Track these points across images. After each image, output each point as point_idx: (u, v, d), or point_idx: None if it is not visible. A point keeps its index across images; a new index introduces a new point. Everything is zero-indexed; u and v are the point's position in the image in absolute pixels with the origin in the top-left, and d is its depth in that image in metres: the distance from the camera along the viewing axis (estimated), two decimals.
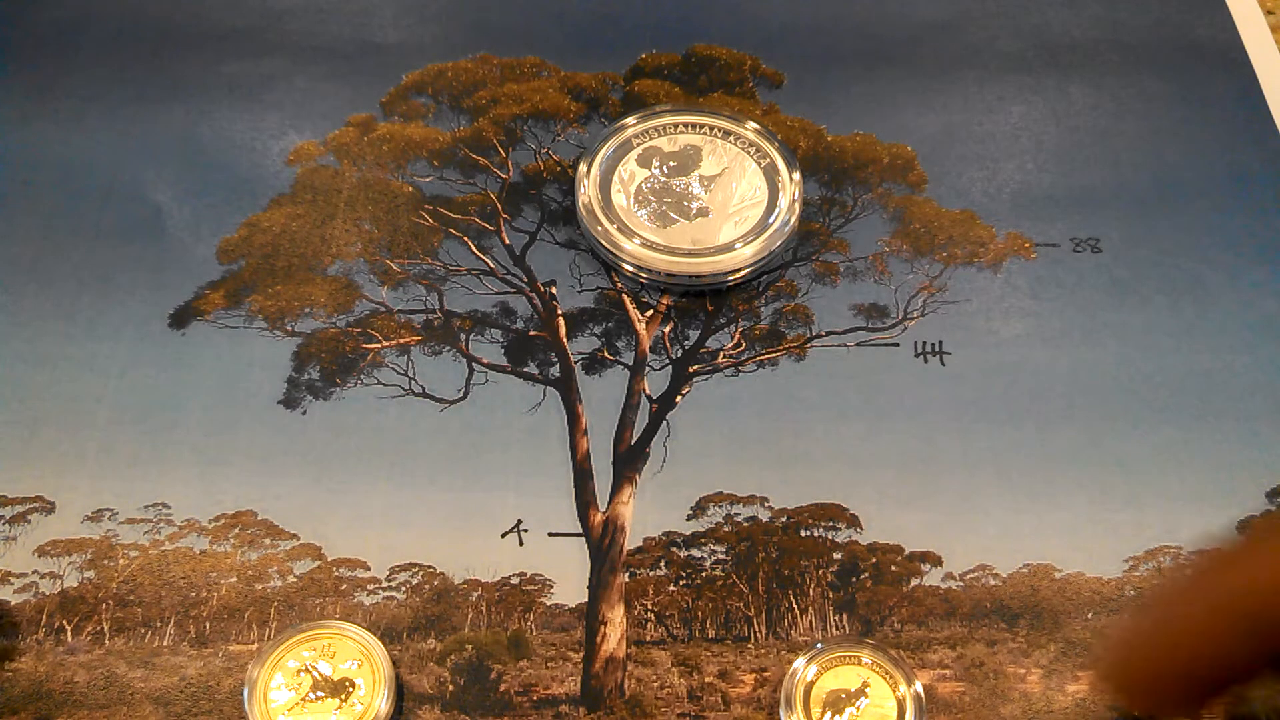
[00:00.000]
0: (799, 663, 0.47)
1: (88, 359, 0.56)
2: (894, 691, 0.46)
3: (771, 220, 0.58)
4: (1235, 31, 0.68)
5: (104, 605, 0.50)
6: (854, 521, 0.52)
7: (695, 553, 0.51)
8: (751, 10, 0.69)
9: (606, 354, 0.57)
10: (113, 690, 0.48)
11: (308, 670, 0.47)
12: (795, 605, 0.50)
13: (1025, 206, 0.61)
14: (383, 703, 0.46)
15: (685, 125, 0.62)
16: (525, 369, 0.56)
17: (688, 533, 0.52)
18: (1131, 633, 0.38)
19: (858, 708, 0.46)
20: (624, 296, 0.58)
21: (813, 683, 0.47)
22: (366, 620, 0.49)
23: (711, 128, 0.62)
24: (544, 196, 0.62)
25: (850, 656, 0.47)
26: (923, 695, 0.46)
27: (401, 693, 0.47)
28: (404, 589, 0.50)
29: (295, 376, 0.56)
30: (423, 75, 0.66)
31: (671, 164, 0.61)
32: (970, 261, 0.60)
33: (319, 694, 0.46)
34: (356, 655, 0.47)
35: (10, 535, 0.51)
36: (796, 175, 0.60)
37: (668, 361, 0.56)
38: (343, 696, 0.46)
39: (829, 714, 0.46)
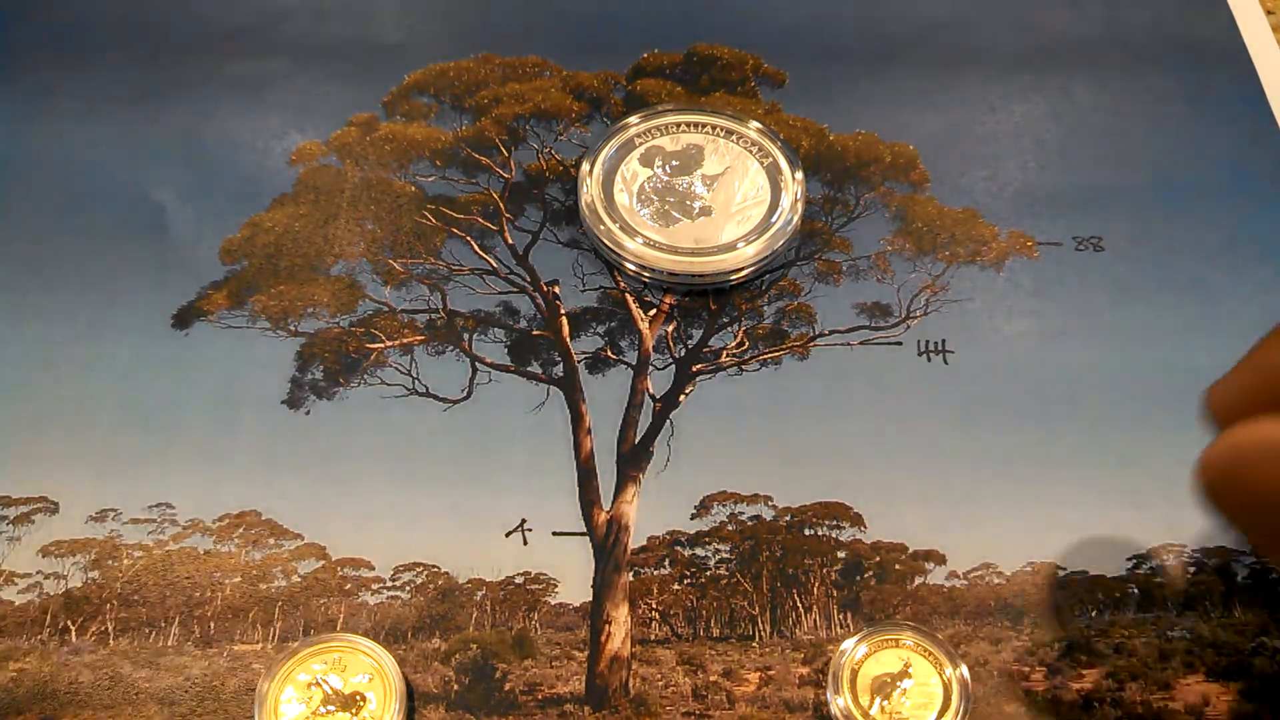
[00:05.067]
0: (848, 643, 0.47)
1: (91, 359, 0.56)
2: (940, 673, 0.46)
3: (774, 219, 0.58)
4: (1237, 31, 0.68)
5: (108, 605, 0.50)
6: (858, 520, 0.52)
7: (699, 551, 0.51)
8: (753, 9, 0.69)
9: (610, 353, 0.57)
10: (117, 690, 0.48)
11: (318, 684, 0.46)
12: (799, 604, 0.50)
13: (1027, 205, 0.61)
14: (394, 717, 0.46)
15: (688, 124, 0.62)
16: (528, 368, 0.56)
17: (692, 531, 0.52)
18: (1237, 370, 0.39)
19: (903, 689, 0.46)
20: (627, 296, 0.58)
21: (860, 664, 0.47)
22: (371, 620, 0.50)
23: (714, 127, 0.62)
24: (546, 196, 0.62)
25: (893, 639, 0.47)
26: (968, 678, 0.46)
27: (413, 707, 0.47)
28: (408, 588, 0.50)
29: (298, 376, 0.56)
30: (424, 75, 0.66)
31: (674, 163, 0.61)
32: (973, 260, 0.60)
33: (329, 708, 0.46)
34: (368, 669, 0.47)
35: (14, 536, 0.51)
36: (799, 174, 0.60)
37: (671, 361, 0.56)
38: (353, 711, 0.46)
39: (877, 700, 0.46)
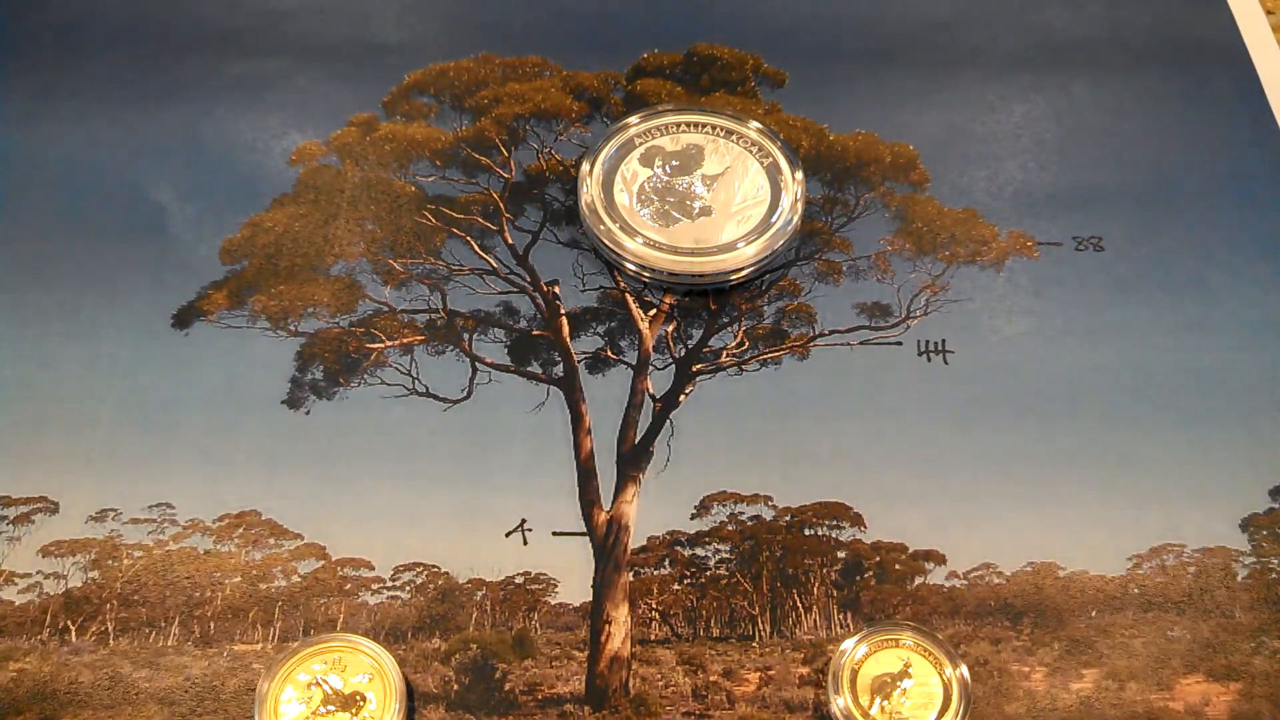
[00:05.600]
0: (848, 643, 0.47)
1: (91, 359, 0.56)
2: (940, 673, 0.46)
3: (774, 219, 0.58)
4: (1236, 31, 0.68)
5: (108, 605, 0.50)
6: (858, 520, 0.52)
7: (699, 551, 0.51)
8: (753, 10, 0.69)
9: (609, 353, 0.57)
10: (117, 690, 0.48)
11: (318, 684, 0.46)
12: (799, 604, 0.50)
13: (1027, 205, 0.61)
14: (394, 717, 0.46)
15: (688, 124, 0.62)
16: (528, 368, 0.56)
17: (692, 531, 0.52)
18: None
19: (903, 689, 0.46)
20: (627, 296, 0.58)
21: (860, 664, 0.47)
22: (371, 620, 0.50)
23: (714, 127, 0.62)
24: (546, 196, 0.62)
25: (893, 639, 0.47)
26: (968, 677, 0.46)
27: (413, 707, 0.47)
28: (408, 588, 0.50)
29: (299, 376, 0.56)
30: (425, 75, 0.66)
31: (674, 163, 0.61)
32: (973, 260, 0.60)
33: (329, 708, 0.46)
34: (368, 669, 0.47)
35: (14, 535, 0.51)
36: (799, 174, 0.60)
37: (671, 361, 0.56)
38: (353, 711, 0.46)
39: (877, 700, 0.46)
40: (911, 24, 0.69)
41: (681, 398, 0.55)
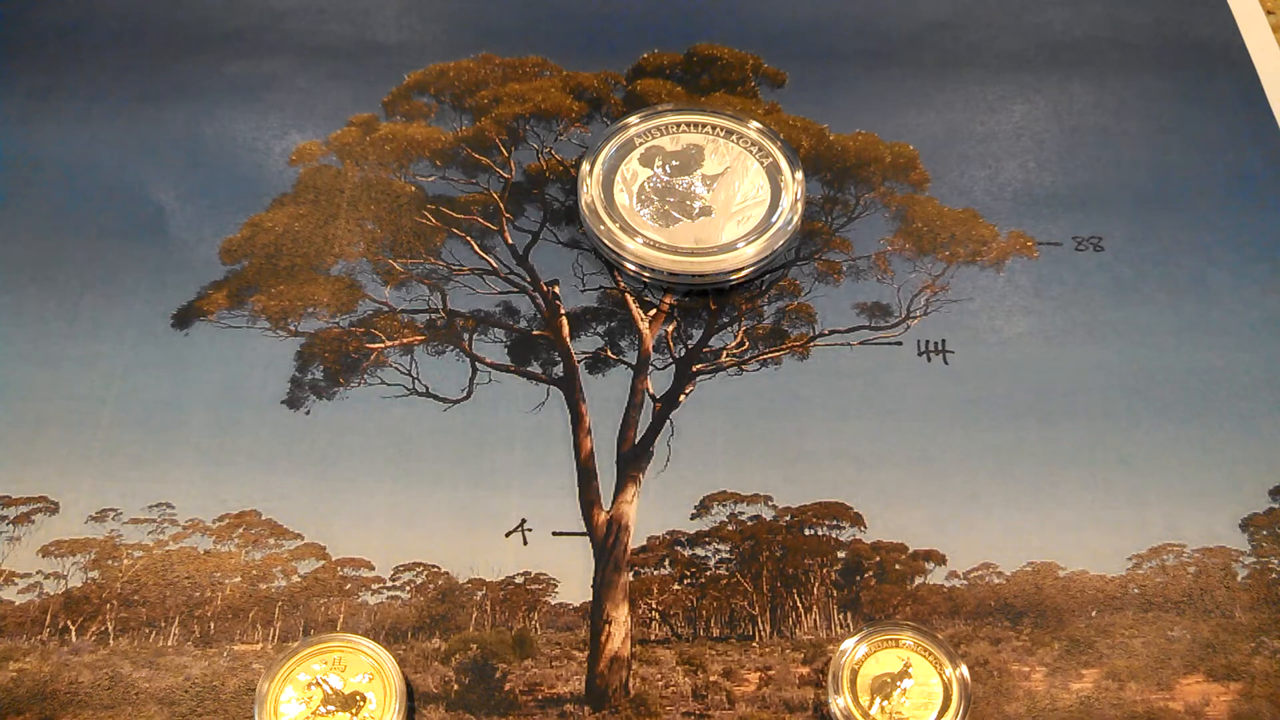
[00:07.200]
0: (848, 643, 0.47)
1: (91, 359, 0.56)
2: (940, 673, 0.47)
3: (774, 219, 0.58)
4: (1236, 30, 0.68)
5: (108, 605, 0.50)
6: (858, 520, 0.52)
7: (699, 551, 0.51)
8: (753, 10, 0.69)
9: (609, 353, 0.57)
10: (117, 690, 0.48)
11: (318, 684, 0.46)
12: (799, 604, 0.50)
13: (1027, 205, 0.62)
14: (394, 717, 0.46)
15: (688, 124, 0.62)
16: (528, 368, 0.56)
17: (692, 531, 0.52)
18: None
19: (903, 689, 0.46)
20: (627, 296, 0.58)
21: (860, 664, 0.47)
22: (371, 620, 0.50)
23: (714, 127, 0.62)
24: (546, 196, 0.62)
25: (893, 639, 0.47)
26: (968, 677, 0.46)
27: (413, 707, 0.47)
28: (408, 588, 0.50)
29: (299, 376, 0.56)
30: (425, 75, 0.66)
31: (674, 163, 0.61)
32: (973, 260, 0.60)
33: (330, 708, 0.46)
34: (368, 669, 0.47)
35: (14, 535, 0.51)
36: (799, 174, 0.60)
37: (671, 361, 0.56)
38: (353, 711, 0.46)
39: (877, 700, 0.46)
40: (911, 24, 0.69)
41: (681, 398, 0.55)
